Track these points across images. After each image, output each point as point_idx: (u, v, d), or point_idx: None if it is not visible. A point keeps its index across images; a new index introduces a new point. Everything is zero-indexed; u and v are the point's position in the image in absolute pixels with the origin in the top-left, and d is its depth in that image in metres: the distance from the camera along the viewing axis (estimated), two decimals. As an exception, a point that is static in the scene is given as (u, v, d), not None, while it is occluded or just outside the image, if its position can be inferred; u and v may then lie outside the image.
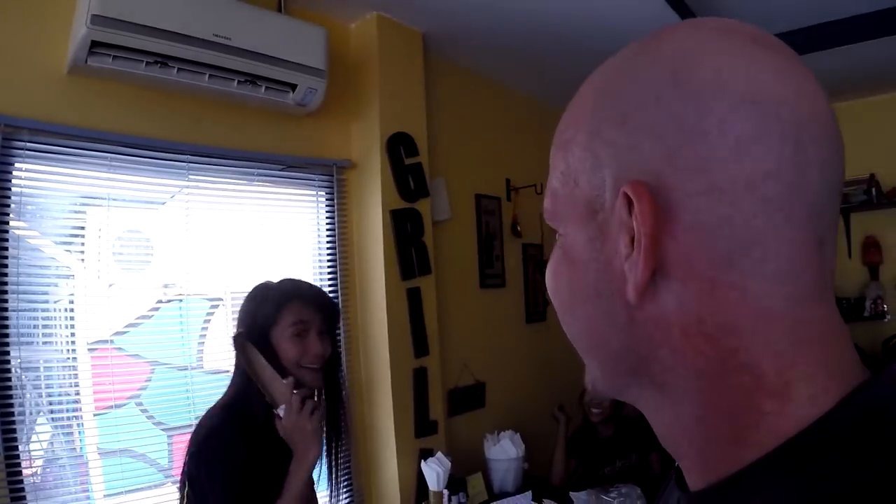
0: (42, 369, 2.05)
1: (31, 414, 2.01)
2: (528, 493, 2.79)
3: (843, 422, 0.39)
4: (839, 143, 0.44)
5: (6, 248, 1.99)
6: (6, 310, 1.97)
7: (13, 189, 2.02)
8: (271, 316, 1.70)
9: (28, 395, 2.00)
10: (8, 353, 1.95)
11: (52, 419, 2.07)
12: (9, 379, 1.94)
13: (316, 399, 1.70)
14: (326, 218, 3.02)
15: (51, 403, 2.06)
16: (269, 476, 1.62)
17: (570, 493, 2.82)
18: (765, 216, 0.41)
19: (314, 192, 2.98)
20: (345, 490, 2.99)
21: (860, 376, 0.43)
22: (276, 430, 1.64)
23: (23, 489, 1.93)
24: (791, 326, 0.42)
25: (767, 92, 0.42)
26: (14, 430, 1.93)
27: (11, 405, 1.94)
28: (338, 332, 1.88)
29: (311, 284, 1.85)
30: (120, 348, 2.27)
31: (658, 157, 0.43)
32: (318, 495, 1.95)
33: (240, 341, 1.66)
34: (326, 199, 3.02)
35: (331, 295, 2.97)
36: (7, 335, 1.96)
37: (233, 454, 1.59)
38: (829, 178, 0.43)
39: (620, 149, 0.45)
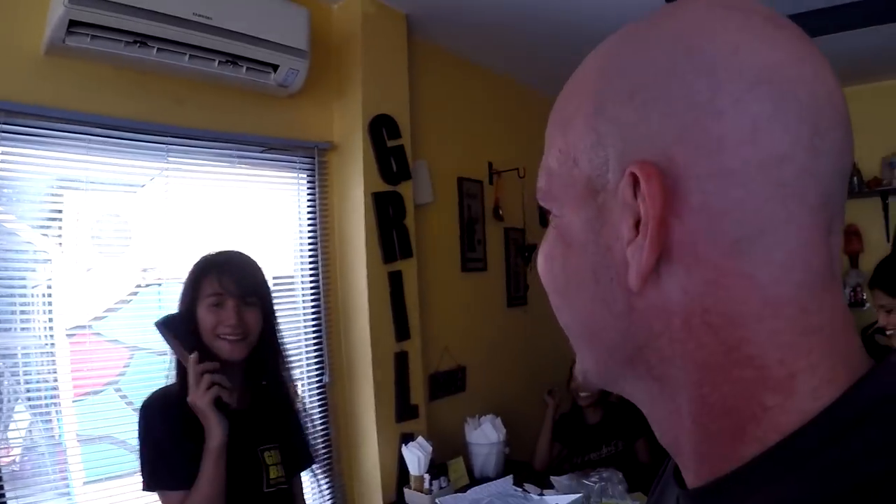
0: (20, 356, 2.03)
1: (8, 401, 1.99)
2: (510, 478, 2.81)
3: (844, 417, 0.38)
4: (850, 128, 0.43)
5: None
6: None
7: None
8: (195, 288, 1.75)
9: (6, 382, 1.98)
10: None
11: (31, 406, 2.05)
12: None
13: (219, 375, 1.67)
14: (308, 200, 3.01)
15: (29, 390, 2.05)
16: (196, 453, 1.63)
17: (552, 477, 2.85)
18: (778, 201, 0.40)
19: (295, 174, 2.97)
20: (325, 475, 3.01)
21: (864, 366, 0.41)
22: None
23: (0, 477, 1.92)
24: (797, 316, 0.40)
25: (785, 72, 0.40)
26: None
27: None
28: (270, 304, 1.87)
29: (239, 255, 1.85)
30: (98, 333, 2.26)
31: (667, 134, 0.41)
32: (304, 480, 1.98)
33: (158, 325, 1.71)
34: (308, 181, 3.00)
35: (310, 273, 3.00)
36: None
37: (153, 431, 1.68)
38: (841, 164, 0.42)
39: (626, 126, 0.43)
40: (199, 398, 1.62)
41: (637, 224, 0.42)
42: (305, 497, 2.07)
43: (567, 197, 0.48)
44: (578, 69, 0.50)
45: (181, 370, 1.72)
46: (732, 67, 0.40)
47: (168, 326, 1.70)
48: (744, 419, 0.40)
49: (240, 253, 1.86)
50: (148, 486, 1.66)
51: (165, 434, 1.66)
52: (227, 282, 1.74)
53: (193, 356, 1.65)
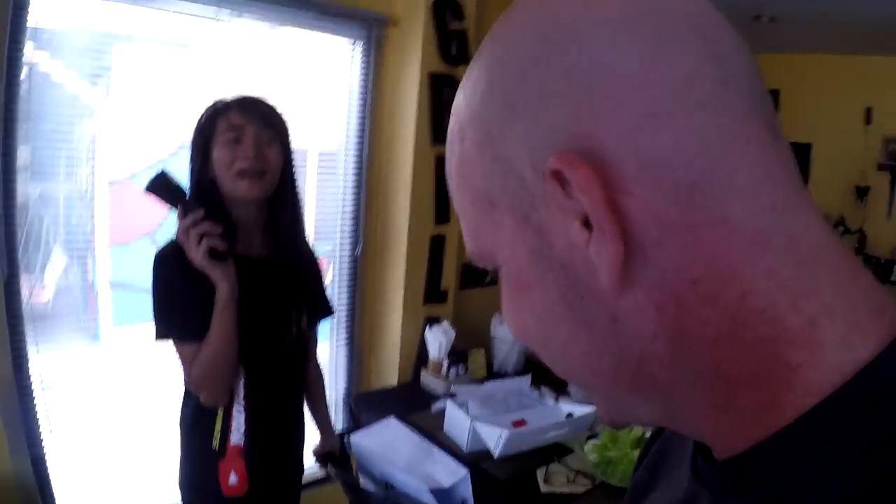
0: (62, 203, 2.19)
1: (47, 243, 2.15)
2: (527, 377, 2.90)
3: (891, 372, 0.35)
4: (728, 25, 0.42)
5: (17, 80, 2.01)
6: (13, 139, 2.03)
7: (32, 23, 2.02)
8: (210, 127, 1.72)
9: (46, 226, 2.12)
10: (14, 181, 2.05)
11: (68, 250, 2.20)
12: (14, 207, 2.07)
13: (205, 224, 1.64)
14: (361, 73, 3.05)
15: (68, 234, 2.19)
16: (209, 305, 1.68)
17: (570, 385, 2.93)
18: (711, 123, 0.37)
19: (351, 45, 3.00)
20: (345, 347, 3.16)
21: (888, 305, 0.38)
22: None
23: (20, 315, 2.14)
24: (786, 244, 0.37)
25: (640, 4, 0.39)
26: (15, 257, 2.09)
27: (15, 232, 2.09)
28: (289, 146, 1.85)
29: (256, 96, 1.81)
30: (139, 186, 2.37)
31: (566, 118, 0.39)
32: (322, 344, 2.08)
33: (145, 192, 1.67)
34: (362, 54, 3.03)
35: (355, 147, 3.08)
36: (12, 165, 2.04)
37: (166, 280, 1.72)
38: (748, 63, 0.41)
39: (523, 136, 0.41)
40: (194, 255, 1.63)
41: (585, 221, 0.39)
42: (319, 358, 2.20)
43: (501, 241, 0.45)
44: (449, 132, 0.48)
45: (199, 199, 1.73)
46: (590, 26, 0.39)
47: (150, 189, 1.65)
48: (774, 387, 0.37)
49: (250, 95, 1.81)
50: (161, 335, 1.72)
51: (179, 284, 1.70)
52: (244, 116, 1.71)
53: (178, 210, 1.64)
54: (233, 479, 1.81)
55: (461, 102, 0.46)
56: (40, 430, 2.30)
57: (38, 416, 2.28)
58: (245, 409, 1.80)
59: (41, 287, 2.19)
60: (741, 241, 0.37)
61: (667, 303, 0.38)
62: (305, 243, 2.00)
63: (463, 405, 2.54)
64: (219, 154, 1.70)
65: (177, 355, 1.74)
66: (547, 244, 0.41)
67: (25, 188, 2.09)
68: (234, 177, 1.70)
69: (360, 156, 3.10)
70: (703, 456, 0.46)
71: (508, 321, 0.49)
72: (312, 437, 2.20)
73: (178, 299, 1.71)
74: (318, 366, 2.17)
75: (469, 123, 0.45)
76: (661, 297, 0.38)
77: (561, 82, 0.39)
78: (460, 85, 0.47)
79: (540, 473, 2.25)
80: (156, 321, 1.73)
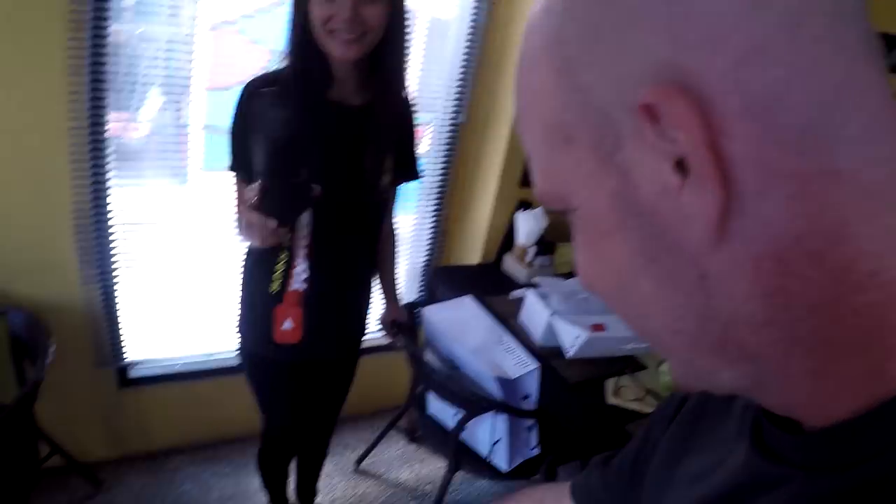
0: (164, 44, 2.21)
1: (145, 83, 2.19)
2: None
3: None
4: None
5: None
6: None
7: None
8: None
9: (144, 65, 2.16)
10: (106, 18, 2.06)
11: (165, 91, 2.24)
12: (103, 45, 2.09)
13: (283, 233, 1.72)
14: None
15: (167, 75, 2.25)
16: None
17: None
18: (825, 61, 0.33)
19: None
20: (431, 215, 3.19)
21: None
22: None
23: (103, 147, 2.22)
24: None
25: None
26: (102, 93, 2.14)
27: (104, 72, 2.12)
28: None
29: None
30: (242, 32, 2.37)
31: (660, 45, 0.35)
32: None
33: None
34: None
35: (470, 19, 2.93)
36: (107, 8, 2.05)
37: (239, 111, 1.76)
38: None
39: (607, 63, 0.37)
40: (255, 239, 1.72)
41: (678, 164, 0.35)
42: (400, 224, 2.21)
43: (578, 182, 0.42)
44: (524, 43, 0.44)
45: (296, 46, 1.68)
46: None
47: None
48: (882, 354, 0.35)
49: None
50: (230, 166, 1.82)
51: (252, 123, 1.73)
52: None
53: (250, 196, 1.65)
54: (287, 324, 1.85)
55: (535, 24, 0.42)
56: (114, 264, 2.44)
57: (114, 250, 2.41)
58: (309, 257, 1.81)
59: (135, 125, 2.26)
60: (854, 196, 0.34)
61: (766, 260, 0.35)
62: (405, 100, 1.92)
63: (544, 297, 2.54)
64: (314, 9, 1.59)
65: (235, 189, 1.84)
66: (631, 187, 0.38)
67: (127, 27, 2.10)
68: (327, 35, 1.61)
69: (475, 26, 2.95)
70: (779, 428, 0.43)
71: (580, 271, 0.46)
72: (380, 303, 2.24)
73: (246, 137, 1.74)
74: (392, 229, 2.15)
75: (544, 49, 0.41)
76: (760, 253, 0.35)
77: (655, 4, 0.35)
78: (534, 5, 0.43)
79: (609, 384, 2.27)
80: (229, 152, 1.81)
